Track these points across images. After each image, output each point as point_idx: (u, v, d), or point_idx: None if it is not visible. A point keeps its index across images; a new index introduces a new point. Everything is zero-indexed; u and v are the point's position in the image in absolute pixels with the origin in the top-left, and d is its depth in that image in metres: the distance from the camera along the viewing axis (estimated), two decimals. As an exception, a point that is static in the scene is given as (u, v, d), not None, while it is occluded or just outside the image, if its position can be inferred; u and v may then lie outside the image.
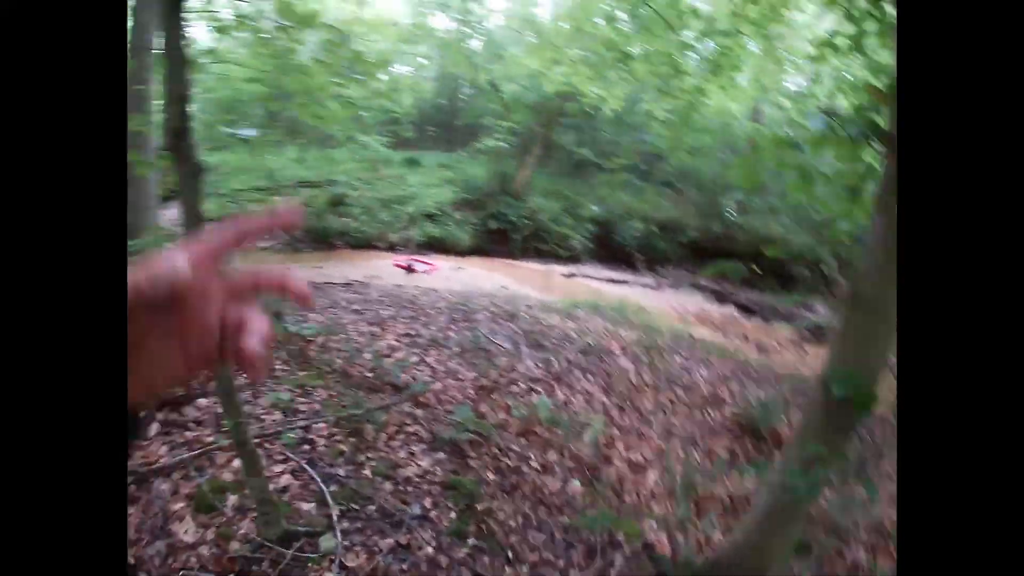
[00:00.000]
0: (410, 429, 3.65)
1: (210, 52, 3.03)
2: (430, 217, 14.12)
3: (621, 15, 6.40)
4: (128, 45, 6.33)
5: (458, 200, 14.98)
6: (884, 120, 1.79)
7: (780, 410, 5.19)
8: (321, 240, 12.59)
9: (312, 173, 16.10)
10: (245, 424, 2.02)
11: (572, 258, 13.93)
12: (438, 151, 21.43)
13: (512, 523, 3.02)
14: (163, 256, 0.40)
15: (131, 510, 2.63)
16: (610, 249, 14.37)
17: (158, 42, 6.13)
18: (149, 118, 4.76)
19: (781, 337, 10.37)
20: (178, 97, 1.75)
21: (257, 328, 0.42)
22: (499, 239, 14.26)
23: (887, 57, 2.63)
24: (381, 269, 10.79)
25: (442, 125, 24.71)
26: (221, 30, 2.77)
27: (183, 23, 1.71)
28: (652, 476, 4.07)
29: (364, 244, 12.97)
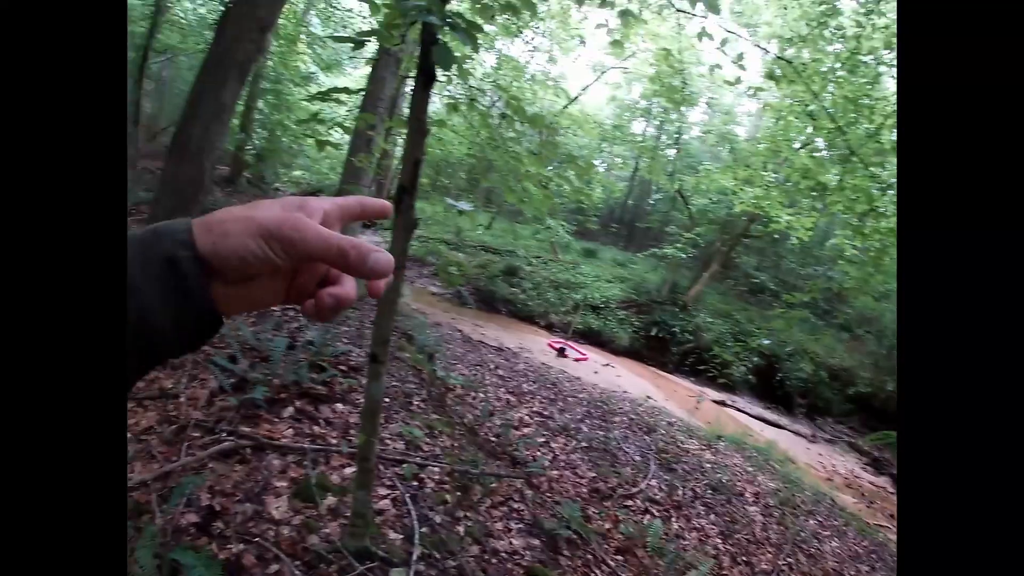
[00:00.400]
0: (515, 505, 3.66)
1: (439, 122, 3.56)
2: (594, 308, 14.31)
3: (819, 142, 6.23)
4: (377, 100, 7.58)
5: (625, 299, 15.05)
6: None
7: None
8: (487, 302, 13.35)
9: (496, 240, 17.30)
10: (374, 444, 2.23)
11: (728, 385, 13.11)
12: (616, 248, 21.88)
13: (578, 636, 2.87)
14: (303, 204, 0.46)
15: (237, 467, 2.93)
16: (770, 385, 13.29)
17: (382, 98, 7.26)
18: (372, 159, 5.62)
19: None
20: (413, 160, 2.06)
21: (341, 289, 0.48)
22: (657, 347, 13.96)
23: None
24: (534, 345, 11.08)
25: (625, 224, 25.27)
26: (454, 108, 3.25)
27: (428, 101, 2.07)
28: None
29: (525, 317, 13.48)
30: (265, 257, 0.43)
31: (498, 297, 13.63)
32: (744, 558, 4.61)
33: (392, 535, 2.76)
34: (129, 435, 3.06)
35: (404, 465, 3.38)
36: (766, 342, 13.08)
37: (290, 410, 3.54)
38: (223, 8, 11.79)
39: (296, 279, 0.49)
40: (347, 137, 7.62)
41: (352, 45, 2.05)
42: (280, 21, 13.84)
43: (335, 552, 2.47)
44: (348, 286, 0.49)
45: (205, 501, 2.61)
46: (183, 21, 15.46)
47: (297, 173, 20.38)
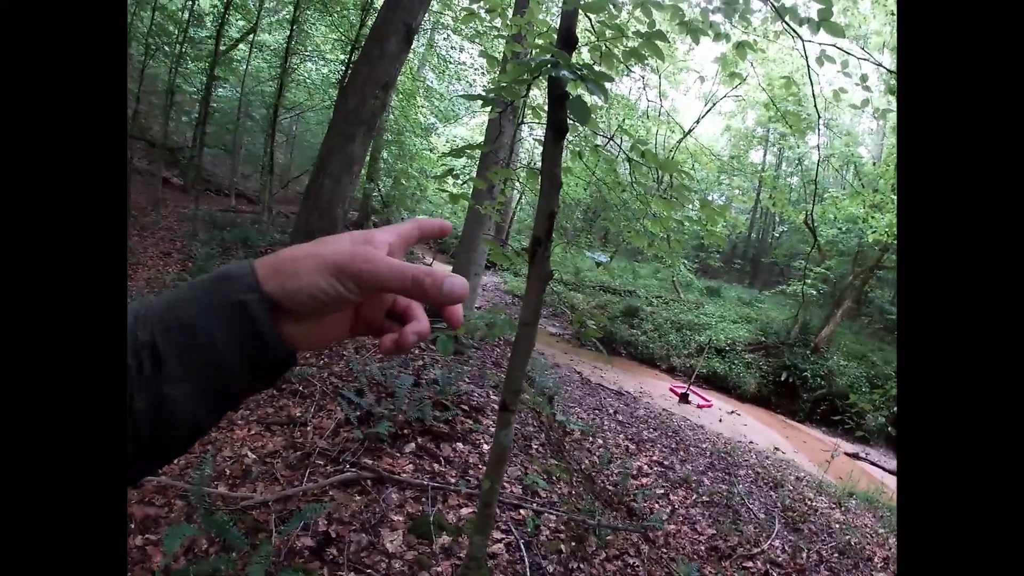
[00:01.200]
0: (631, 560, 3.56)
1: (565, 170, 3.63)
2: (719, 351, 13.63)
3: None
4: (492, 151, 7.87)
5: (752, 340, 14.20)
6: None
7: None
8: (607, 343, 13.15)
9: (615, 281, 17.10)
10: (497, 490, 2.24)
11: (862, 437, 11.80)
12: (742, 286, 20.80)
13: None
14: (370, 238, 0.46)
15: (356, 498, 3.05)
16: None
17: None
18: (494, 207, 5.82)
19: None
20: (548, 213, 2.11)
21: (420, 324, 0.50)
22: (786, 393, 13.00)
23: None
24: (655, 389, 10.75)
25: (749, 259, 24.03)
26: (579, 155, 3.30)
27: (561, 153, 2.11)
28: None
29: (646, 359, 13.15)
30: (337, 294, 0.43)
31: (618, 339, 13.43)
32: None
33: (503, 581, 2.74)
34: (255, 456, 3.32)
35: (521, 511, 3.36)
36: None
37: (412, 446, 3.68)
38: (344, 68, 13.05)
39: (362, 311, 0.51)
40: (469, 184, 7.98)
41: (479, 101, 2.15)
42: (399, 78, 15.00)
43: (443, 592, 2.49)
44: (423, 319, 0.50)
45: (322, 527, 2.77)
46: (308, 80, 17.13)
47: (421, 218, 21.54)
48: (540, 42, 2.63)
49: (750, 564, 4.44)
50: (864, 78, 4.89)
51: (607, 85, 1.80)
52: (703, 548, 4.45)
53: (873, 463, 10.86)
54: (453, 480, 3.42)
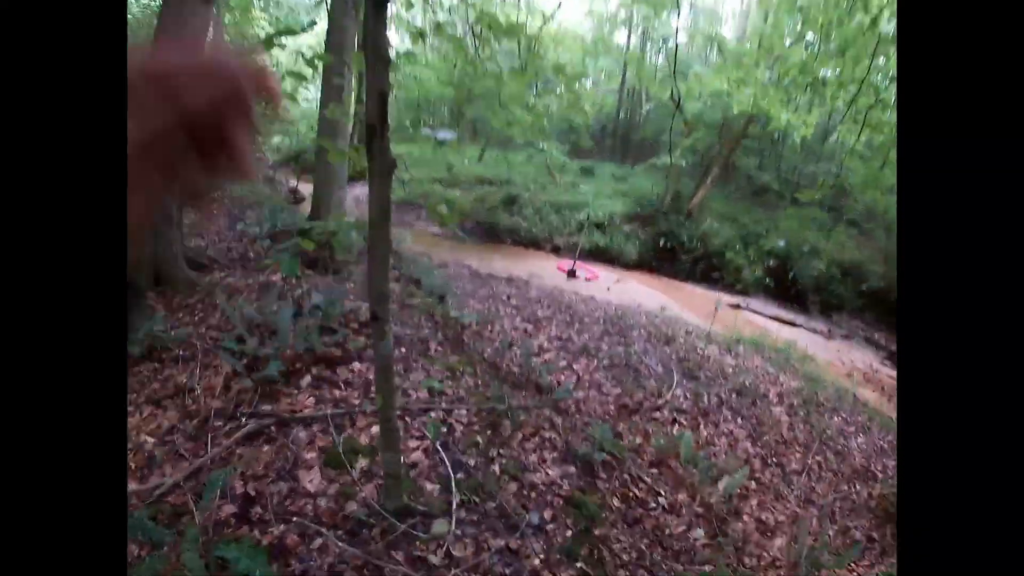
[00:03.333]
0: (546, 435, 3.66)
1: (407, 56, 3.28)
2: (599, 226, 14.12)
3: (811, 37, 5.90)
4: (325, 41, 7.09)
5: (629, 213, 14.81)
6: None
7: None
8: (491, 235, 13.16)
9: (490, 172, 16.89)
10: (393, 401, 2.14)
11: (741, 289, 13.06)
12: (614, 163, 21.37)
13: (625, 556, 2.89)
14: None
15: (264, 448, 2.90)
16: (783, 286, 13.20)
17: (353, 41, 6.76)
18: (346, 108, 5.28)
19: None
20: (377, 93, 1.78)
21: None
22: (666, 257, 13.84)
23: None
24: (544, 270, 10.99)
25: (620, 138, 24.61)
26: (420, 35, 2.98)
27: (385, 24, 1.80)
28: (779, 542, 3.67)
29: (530, 244, 13.34)
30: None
31: (501, 228, 13.44)
32: (774, 459, 4.66)
33: (429, 486, 2.75)
34: (153, 439, 3.03)
35: (432, 413, 3.34)
36: (781, 243, 12.88)
37: (307, 379, 3.49)
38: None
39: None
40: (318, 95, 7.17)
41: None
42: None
43: (375, 515, 2.45)
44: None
45: (239, 489, 2.59)
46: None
47: (276, 140, 19.74)
48: None
49: (658, 414, 4.69)
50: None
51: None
52: (612, 408, 4.62)
53: (754, 311, 11.93)
54: (357, 402, 3.29)
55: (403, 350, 4.20)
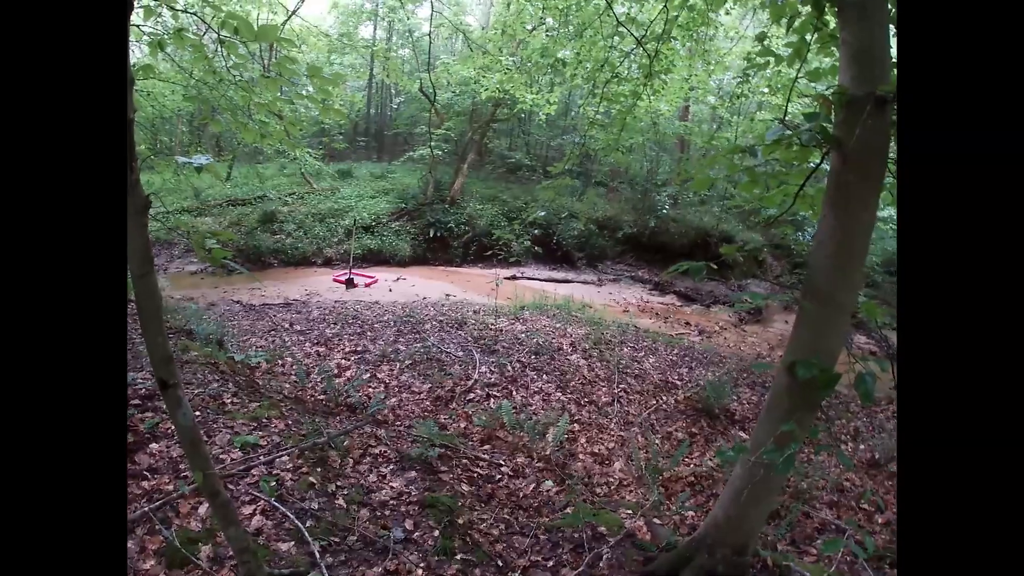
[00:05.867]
0: (375, 450, 3.57)
1: (145, 68, 2.86)
2: (367, 229, 13.85)
3: (551, 22, 6.54)
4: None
5: (395, 210, 14.77)
6: (832, 125, 1.93)
7: (729, 389, 5.42)
8: (255, 260, 12.11)
9: (241, 190, 15.50)
10: (214, 473, 1.89)
11: (514, 262, 13.97)
12: (371, 162, 21.08)
13: (495, 531, 3.00)
14: None
15: None
16: (550, 250, 14.52)
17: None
18: None
19: (721, 321, 10.81)
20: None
21: None
22: (439, 247, 14.16)
23: (825, 63, 2.80)
24: (320, 285, 10.52)
25: (373, 135, 24.36)
26: (159, 46, 2.61)
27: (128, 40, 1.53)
28: (618, 465, 4.16)
29: (300, 261, 12.60)
30: None
31: (264, 250, 12.41)
32: (586, 399, 5.17)
33: (284, 547, 2.50)
34: None
35: (253, 471, 3.02)
36: (542, 213, 14.05)
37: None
38: None
39: None
40: None
41: None
42: None
43: (242, 599, 2.16)
44: None
45: None
46: None
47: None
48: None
49: (471, 395, 4.86)
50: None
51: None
52: (428, 403, 4.67)
53: (530, 278, 12.84)
54: (171, 487, 2.82)
55: (198, 413, 3.71)
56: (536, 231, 14.54)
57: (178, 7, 2.12)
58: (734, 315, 11.14)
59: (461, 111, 16.66)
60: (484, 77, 9.57)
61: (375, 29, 21.17)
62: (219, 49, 2.34)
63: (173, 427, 3.28)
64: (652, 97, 5.59)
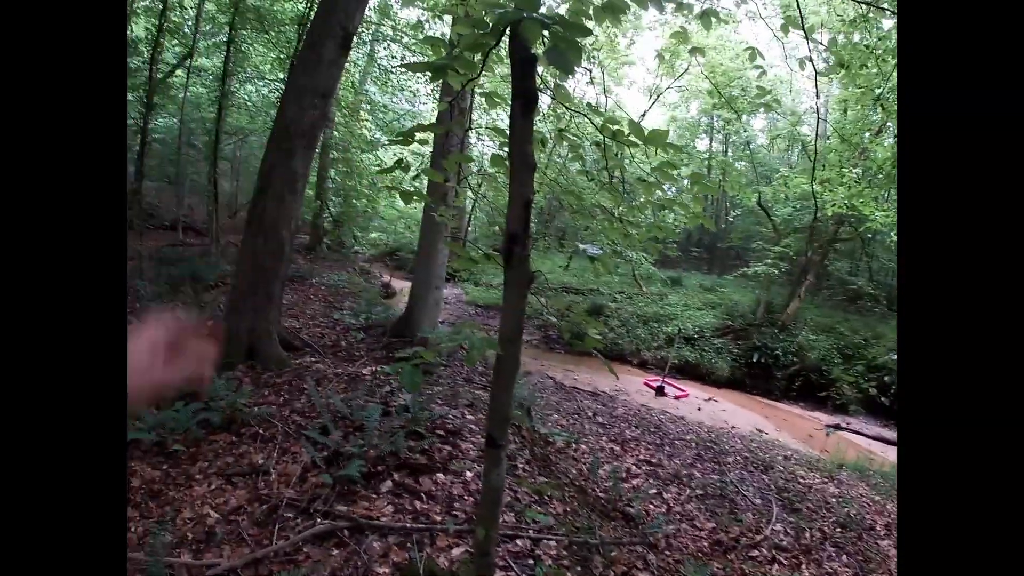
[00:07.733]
0: (640, 574, 3.28)
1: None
2: (688, 340, 13.56)
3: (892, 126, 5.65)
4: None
5: (720, 325, 14.22)
6: None
7: None
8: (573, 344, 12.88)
9: (576, 280, 16.94)
10: (496, 535, 1.89)
11: (840, 406, 11.88)
12: (701, 273, 21.00)
13: None
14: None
15: (334, 552, 2.70)
16: (884, 403, 11.86)
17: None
18: (451, 212, 5.45)
19: None
20: (523, 201, 1.68)
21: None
22: (760, 374, 13.01)
23: None
24: (630, 385, 10.58)
25: (707, 246, 24.37)
26: (542, 143, 2.99)
27: (531, 131, 1.69)
28: None
29: (616, 356, 12.97)
30: None
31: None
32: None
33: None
34: (218, 515, 2.93)
35: (518, 541, 3.02)
36: (893, 357, 11.76)
37: (388, 484, 3.30)
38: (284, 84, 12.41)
39: None
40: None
41: (428, 75, 1.78)
42: (340, 92, 14.38)
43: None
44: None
45: None
46: (249, 103, 16.40)
47: (374, 236, 21.01)
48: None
49: (756, 552, 4.28)
50: (808, 60, 4.87)
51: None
52: (706, 544, 4.26)
53: (856, 431, 10.83)
54: (439, 518, 3.04)
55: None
56: (872, 375, 12.09)
57: (574, 108, 2.34)
58: None
59: (800, 228, 15.42)
60: (829, 191, 8.69)
61: (711, 142, 21.51)
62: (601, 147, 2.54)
63: (465, 467, 3.56)
64: None
